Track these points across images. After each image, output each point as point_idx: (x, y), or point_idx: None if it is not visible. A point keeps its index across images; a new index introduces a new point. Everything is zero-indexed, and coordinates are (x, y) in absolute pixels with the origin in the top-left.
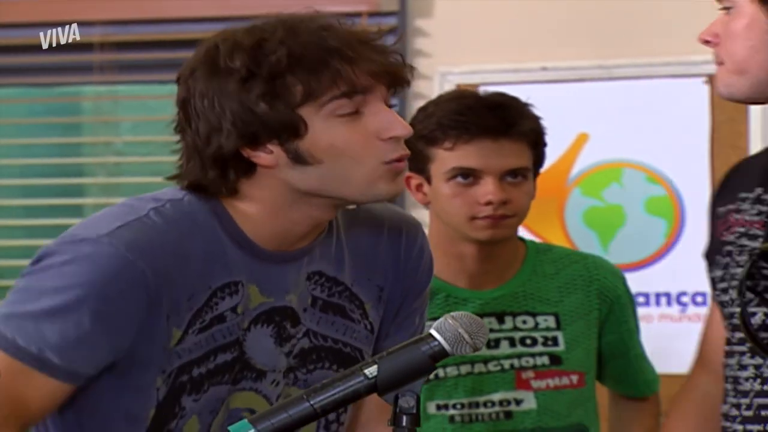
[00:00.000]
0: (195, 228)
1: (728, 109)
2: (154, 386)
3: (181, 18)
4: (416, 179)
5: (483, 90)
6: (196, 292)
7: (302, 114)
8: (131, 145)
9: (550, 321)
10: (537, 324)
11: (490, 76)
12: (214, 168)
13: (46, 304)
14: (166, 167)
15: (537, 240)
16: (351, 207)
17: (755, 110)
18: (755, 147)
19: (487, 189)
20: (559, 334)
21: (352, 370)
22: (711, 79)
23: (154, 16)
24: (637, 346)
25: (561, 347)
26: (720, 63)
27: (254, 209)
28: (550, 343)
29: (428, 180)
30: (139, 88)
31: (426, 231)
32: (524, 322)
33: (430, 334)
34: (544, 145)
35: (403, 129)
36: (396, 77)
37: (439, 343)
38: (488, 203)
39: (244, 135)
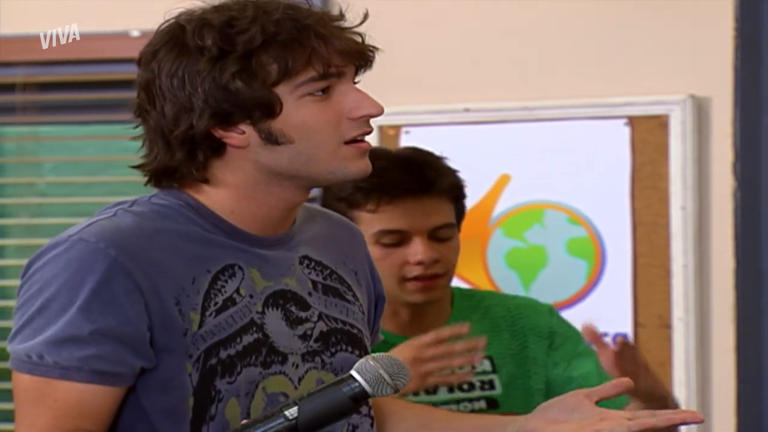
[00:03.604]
0: (170, 219)
1: (649, 151)
2: (185, 373)
3: (104, 59)
4: None
5: (405, 131)
6: (197, 275)
7: (277, 92)
8: (54, 186)
9: (486, 364)
10: (473, 368)
11: (413, 118)
12: (182, 149)
13: (34, 308)
14: (89, 207)
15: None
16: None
17: (675, 152)
18: (675, 189)
19: (417, 249)
20: (495, 377)
21: (273, 412)
22: (631, 121)
23: (77, 57)
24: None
25: (497, 390)
26: None
27: (227, 195)
28: (486, 386)
29: None
30: (61, 129)
31: None
32: (460, 367)
33: (351, 376)
34: (465, 197)
35: (375, 108)
36: (364, 57)
37: (360, 385)
38: (419, 263)
39: (216, 114)
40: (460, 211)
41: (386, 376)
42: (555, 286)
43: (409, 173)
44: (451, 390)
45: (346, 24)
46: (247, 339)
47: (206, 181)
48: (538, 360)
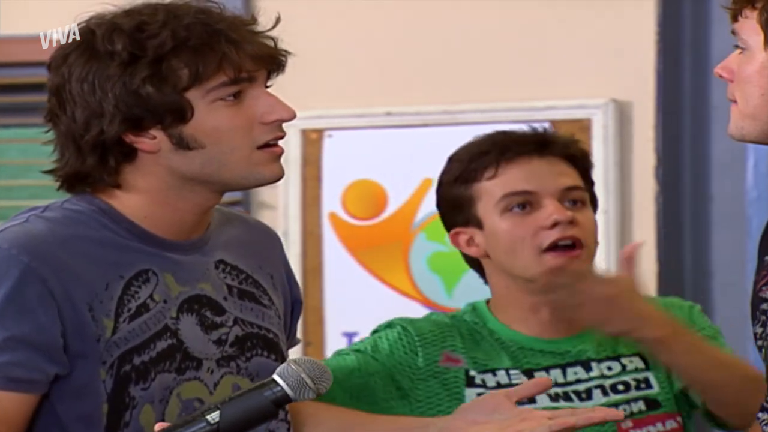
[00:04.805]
0: (82, 224)
1: None
2: (99, 380)
3: (22, 62)
4: (464, 233)
5: (328, 134)
6: (111, 281)
7: (188, 97)
8: None
9: (636, 361)
10: (624, 367)
11: (335, 121)
12: (93, 155)
13: None
14: (8, 211)
15: None
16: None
17: (597, 156)
18: (597, 193)
19: (550, 210)
20: (650, 375)
21: (194, 416)
22: (554, 125)
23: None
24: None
25: (655, 389)
26: (733, 100)
27: (140, 200)
28: (643, 385)
29: (479, 225)
30: None
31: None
32: (609, 368)
33: (273, 380)
34: (591, 179)
35: (287, 112)
36: (276, 61)
37: (282, 389)
38: (555, 224)
39: (127, 119)
40: (589, 186)
41: (308, 380)
42: (478, 290)
43: (526, 135)
44: (605, 393)
45: (261, 28)
46: (161, 345)
47: (119, 186)
48: None
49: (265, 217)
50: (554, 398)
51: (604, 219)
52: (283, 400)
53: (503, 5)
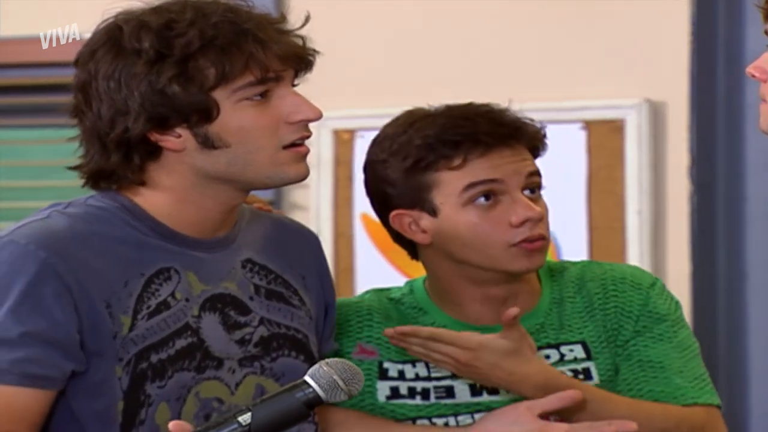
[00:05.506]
0: (104, 221)
1: (604, 155)
2: (114, 377)
3: (53, 62)
4: (408, 216)
5: (360, 135)
6: (130, 278)
7: (214, 97)
8: (1, 190)
9: (578, 350)
10: (563, 356)
11: (366, 121)
12: (118, 152)
13: None
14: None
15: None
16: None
17: (631, 156)
18: (631, 193)
19: (519, 205)
20: (592, 366)
21: (225, 417)
22: (587, 125)
23: (23, 61)
24: (675, 363)
25: (594, 380)
26: (764, 100)
27: (164, 198)
28: (581, 376)
29: (432, 212)
30: (8, 133)
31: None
32: (547, 356)
33: (305, 381)
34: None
35: (313, 112)
36: (302, 60)
37: (314, 390)
38: (526, 220)
39: (152, 118)
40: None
41: (340, 382)
42: None
43: (491, 120)
44: None
45: (291, 26)
46: (181, 343)
47: (143, 184)
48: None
49: (297, 218)
50: (478, 391)
51: (638, 219)
52: (314, 402)
53: (535, 5)
